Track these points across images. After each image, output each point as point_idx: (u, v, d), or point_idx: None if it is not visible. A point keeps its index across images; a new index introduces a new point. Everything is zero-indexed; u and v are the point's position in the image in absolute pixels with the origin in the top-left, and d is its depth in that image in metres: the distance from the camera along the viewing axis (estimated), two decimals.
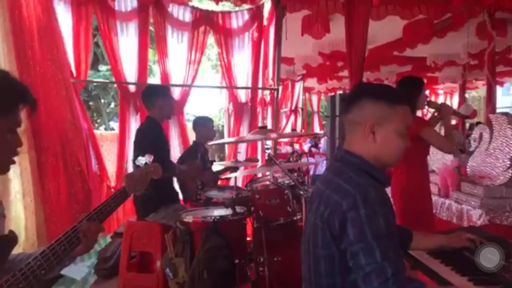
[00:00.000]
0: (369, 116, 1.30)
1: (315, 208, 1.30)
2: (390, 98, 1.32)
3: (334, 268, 1.24)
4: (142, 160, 1.45)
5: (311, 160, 7.26)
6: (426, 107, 2.89)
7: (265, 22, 4.51)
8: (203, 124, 3.91)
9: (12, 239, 1.21)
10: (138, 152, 3.01)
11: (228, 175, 3.94)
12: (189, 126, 4.60)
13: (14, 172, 3.21)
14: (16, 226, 3.20)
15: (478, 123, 7.06)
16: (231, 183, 4.24)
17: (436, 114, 2.85)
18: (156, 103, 3.08)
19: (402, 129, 1.32)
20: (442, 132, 2.96)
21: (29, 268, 1.10)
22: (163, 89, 3.27)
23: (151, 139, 2.96)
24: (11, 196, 3.19)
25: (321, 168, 7.20)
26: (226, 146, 4.80)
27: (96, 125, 11.71)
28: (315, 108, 12.05)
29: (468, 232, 1.62)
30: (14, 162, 1.24)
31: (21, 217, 3.24)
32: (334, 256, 1.23)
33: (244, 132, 4.52)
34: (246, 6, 4.42)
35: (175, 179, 3.62)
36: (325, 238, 1.24)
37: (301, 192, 2.24)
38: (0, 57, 3.03)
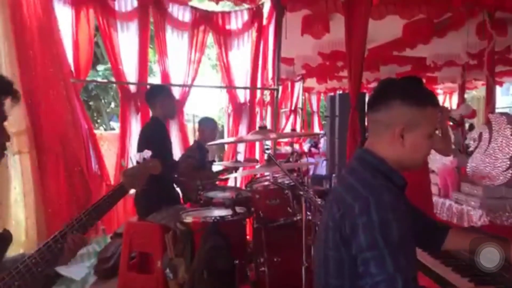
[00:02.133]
0: (398, 119, 1.23)
1: (329, 207, 1.28)
2: (421, 99, 1.24)
3: (344, 271, 1.21)
4: (140, 156, 1.44)
5: (311, 160, 7.26)
6: None
7: (264, 22, 4.51)
8: (208, 125, 3.92)
9: (6, 237, 1.21)
10: (141, 149, 3.02)
11: (226, 175, 3.94)
12: (189, 126, 4.59)
13: (15, 172, 3.21)
14: (17, 226, 3.20)
15: (471, 125, 7.06)
16: (229, 183, 4.25)
17: None
18: (157, 103, 3.11)
19: (432, 132, 1.26)
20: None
21: (25, 266, 1.10)
22: (164, 89, 3.28)
23: (155, 138, 2.98)
24: (12, 196, 3.19)
25: (321, 168, 7.20)
26: (225, 146, 4.80)
27: (96, 125, 11.71)
28: (314, 108, 12.06)
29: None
30: (3, 156, 1.23)
31: (22, 217, 3.24)
32: (343, 259, 1.20)
33: (243, 132, 4.52)
34: (246, 6, 4.42)
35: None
36: (335, 239, 1.21)
37: (301, 193, 2.24)
38: (1, 57, 3.02)
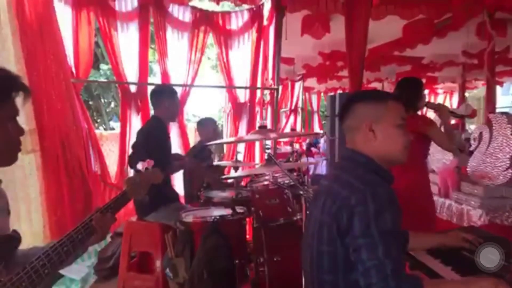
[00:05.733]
0: (364, 117, 1.35)
1: (322, 204, 1.32)
2: (378, 96, 1.40)
3: (337, 265, 1.25)
4: (142, 165, 1.47)
5: (311, 160, 7.26)
6: (425, 108, 2.91)
7: (265, 22, 4.51)
8: (207, 125, 3.93)
9: (15, 238, 1.22)
10: (141, 150, 3.02)
11: (229, 175, 3.95)
12: (189, 126, 4.59)
13: (32, 170, 3.22)
14: (37, 224, 3.21)
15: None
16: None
17: (435, 114, 2.88)
18: (161, 103, 3.12)
19: (399, 121, 1.36)
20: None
21: (32, 267, 1.11)
22: (171, 90, 3.29)
23: (155, 136, 2.99)
24: (32, 194, 3.21)
25: (321, 168, 7.20)
26: (225, 146, 4.81)
27: (96, 124, 11.72)
28: (314, 108, 12.06)
29: (468, 232, 1.62)
30: (20, 150, 1.24)
31: (37, 215, 3.24)
32: (337, 252, 1.24)
33: (242, 132, 4.52)
34: (246, 6, 4.42)
35: (180, 177, 3.65)
36: (331, 233, 1.25)
37: (301, 192, 2.24)
38: (11, 56, 3.02)
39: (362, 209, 1.18)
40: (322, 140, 8.99)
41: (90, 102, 11.74)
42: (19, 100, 1.21)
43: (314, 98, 12.12)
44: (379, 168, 1.34)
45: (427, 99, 2.93)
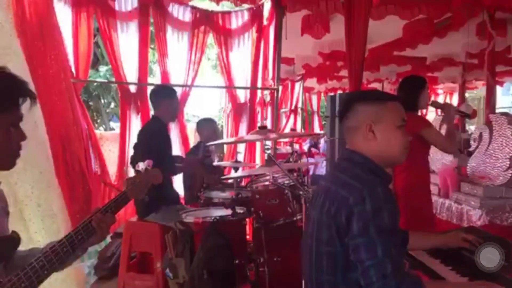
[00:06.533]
0: (364, 117, 1.35)
1: (320, 205, 1.32)
2: (378, 97, 1.40)
3: (336, 266, 1.25)
4: (142, 165, 1.47)
5: (311, 160, 7.26)
6: (429, 106, 2.90)
7: (265, 22, 4.51)
8: (206, 126, 3.94)
9: (14, 239, 1.21)
10: (142, 150, 3.03)
11: (229, 175, 3.95)
12: (189, 126, 4.59)
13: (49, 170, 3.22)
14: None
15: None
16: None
17: (440, 113, 2.85)
18: (161, 103, 3.13)
19: (399, 121, 1.36)
20: (443, 131, 2.95)
21: (32, 268, 1.11)
22: (171, 91, 3.29)
23: (156, 137, 2.99)
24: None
25: (321, 168, 7.20)
26: (225, 146, 4.81)
27: (96, 125, 11.71)
28: (315, 108, 12.06)
29: (468, 232, 1.62)
30: (19, 156, 1.24)
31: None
32: (337, 253, 1.24)
33: (243, 132, 4.52)
34: (246, 6, 4.43)
35: (179, 178, 3.65)
36: (330, 234, 1.25)
37: (301, 193, 2.24)
38: (19, 57, 3.01)
39: (360, 209, 1.18)
40: (322, 141, 8.98)
41: (90, 102, 11.73)
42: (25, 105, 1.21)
43: (314, 98, 12.12)
44: (377, 168, 1.34)
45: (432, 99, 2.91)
